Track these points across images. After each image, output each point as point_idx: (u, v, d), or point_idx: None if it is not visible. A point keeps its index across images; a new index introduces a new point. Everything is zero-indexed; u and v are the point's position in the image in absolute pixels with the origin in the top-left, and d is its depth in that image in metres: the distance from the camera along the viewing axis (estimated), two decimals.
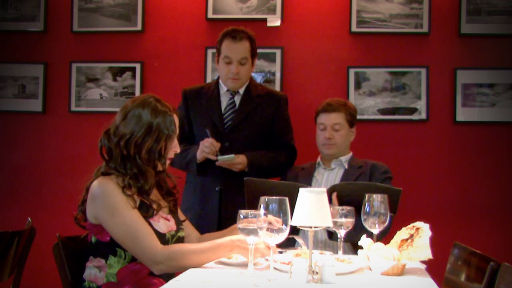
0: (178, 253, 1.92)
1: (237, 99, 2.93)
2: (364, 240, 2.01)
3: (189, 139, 2.92)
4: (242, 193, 2.59)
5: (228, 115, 2.90)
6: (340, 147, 2.77)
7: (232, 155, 2.73)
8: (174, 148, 2.12)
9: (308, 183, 2.70)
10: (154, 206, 2.04)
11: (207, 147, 2.72)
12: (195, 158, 2.79)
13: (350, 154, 2.82)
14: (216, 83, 2.99)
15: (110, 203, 1.94)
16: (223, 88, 2.95)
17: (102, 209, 1.95)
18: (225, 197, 2.83)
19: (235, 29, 2.87)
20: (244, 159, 2.78)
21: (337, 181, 2.71)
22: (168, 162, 2.13)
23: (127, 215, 1.93)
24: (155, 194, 2.12)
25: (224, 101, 2.93)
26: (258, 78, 3.64)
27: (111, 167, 2.03)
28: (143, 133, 2.02)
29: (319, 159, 2.83)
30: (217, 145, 2.73)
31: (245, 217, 1.77)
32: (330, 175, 2.76)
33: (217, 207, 2.82)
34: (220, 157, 2.73)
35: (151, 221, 2.00)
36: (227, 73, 2.86)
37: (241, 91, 2.93)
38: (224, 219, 2.77)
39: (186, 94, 2.99)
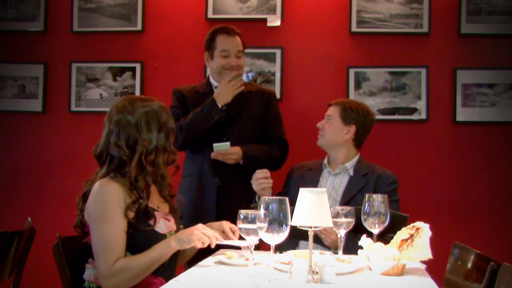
0: (125, 267, 1.91)
1: None
2: (364, 240, 2.01)
3: None
4: (239, 185, 2.70)
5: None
6: (328, 139, 2.71)
7: (228, 143, 2.77)
8: None
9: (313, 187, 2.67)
10: (156, 214, 2.03)
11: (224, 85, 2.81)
12: (215, 102, 2.81)
13: (357, 157, 2.75)
14: (207, 82, 3.02)
15: (99, 207, 1.94)
16: (215, 86, 2.98)
17: (92, 210, 1.96)
18: (223, 190, 2.85)
19: (227, 26, 2.96)
20: (239, 150, 2.81)
21: (341, 188, 2.66)
22: None
23: (107, 226, 1.92)
24: (154, 192, 2.10)
25: None
26: (259, 78, 3.65)
27: (117, 175, 2.01)
28: (157, 136, 2.02)
29: (325, 161, 2.79)
30: (239, 77, 2.85)
31: (245, 217, 1.77)
32: (335, 180, 2.72)
33: (215, 200, 2.84)
34: (215, 145, 2.76)
35: (151, 222, 2.00)
36: (225, 65, 2.91)
37: None
38: (223, 211, 2.79)
39: (182, 91, 3.01)
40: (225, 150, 2.77)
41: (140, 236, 1.97)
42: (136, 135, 2.01)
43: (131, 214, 1.96)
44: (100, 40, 3.79)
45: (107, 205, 1.93)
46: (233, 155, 2.80)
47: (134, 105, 2.04)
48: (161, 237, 2.00)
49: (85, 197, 2.02)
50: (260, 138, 2.95)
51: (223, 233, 2.18)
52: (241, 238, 1.95)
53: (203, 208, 2.85)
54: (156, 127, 2.03)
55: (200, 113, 2.82)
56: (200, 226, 2.01)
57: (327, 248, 2.42)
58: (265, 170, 2.62)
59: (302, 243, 2.59)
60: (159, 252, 1.94)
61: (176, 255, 2.06)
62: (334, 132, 2.72)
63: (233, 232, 2.17)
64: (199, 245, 1.96)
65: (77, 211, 2.05)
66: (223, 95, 2.84)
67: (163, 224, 2.05)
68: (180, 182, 2.95)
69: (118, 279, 1.90)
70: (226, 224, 2.21)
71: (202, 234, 1.96)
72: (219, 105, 2.82)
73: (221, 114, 2.83)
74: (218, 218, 2.76)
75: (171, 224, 2.09)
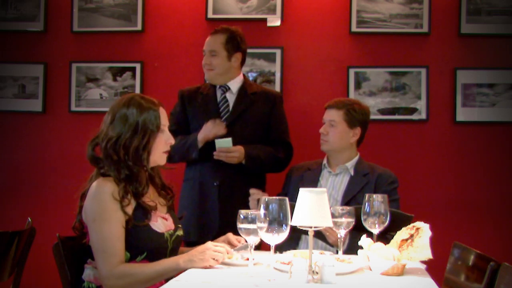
0: (127, 273, 1.91)
1: (229, 96, 2.96)
2: (364, 240, 2.01)
3: None
4: (240, 187, 2.74)
5: (222, 111, 2.94)
6: (334, 144, 2.71)
7: (229, 139, 2.77)
8: (168, 140, 2.11)
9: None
10: (151, 203, 2.03)
11: (208, 126, 2.79)
12: (196, 142, 2.82)
13: (357, 157, 2.75)
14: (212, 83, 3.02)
15: (97, 208, 1.94)
16: (217, 86, 2.98)
17: (89, 210, 1.96)
18: (224, 192, 2.85)
19: (220, 26, 2.97)
20: (241, 149, 2.80)
21: (342, 188, 2.67)
22: (165, 155, 2.12)
23: (106, 226, 1.92)
24: (151, 193, 2.11)
25: (218, 98, 2.97)
26: (259, 78, 3.65)
27: (106, 170, 2.02)
28: (130, 134, 2.01)
29: (325, 161, 2.79)
30: (221, 123, 2.79)
31: (245, 217, 1.77)
32: (336, 180, 2.72)
33: (217, 202, 2.84)
34: (217, 140, 2.76)
35: (149, 222, 2.00)
36: (203, 65, 2.95)
37: (234, 89, 2.96)
38: (224, 214, 2.79)
39: (183, 94, 3.03)
40: (227, 147, 2.77)
41: (137, 235, 1.97)
42: (112, 126, 2.03)
43: (129, 210, 1.96)
44: (100, 40, 3.79)
45: (104, 205, 1.94)
46: (235, 153, 2.78)
47: (128, 101, 2.05)
48: (159, 236, 2.01)
49: (84, 195, 2.02)
50: (262, 141, 2.93)
51: (230, 244, 2.19)
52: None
53: (204, 210, 2.86)
54: (131, 127, 2.01)
55: (183, 145, 2.84)
56: (210, 244, 1.99)
57: (330, 245, 2.42)
58: (262, 192, 2.62)
59: (302, 243, 2.60)
60: (166, 269, 1.93)
61: (176, 255, 2.06)
62: (339, 137, 2.71)
63: (239, 242, 2.19)
64: (213, 263, 1.93)
65: (76, 211, 2.05)
66: (205, 135, 2.82)
67: (161, 223, 2.05)
68: (182, 185, 2.95)
69: (118, 283, 1.90)
70: (231, 236, 2.23)
71: (213, 252, 1.94)
72: (199, 145, 2.82)
73: (196, 154, 2.83)
74: (219, 219, 2.78)
75: (169, 224, 2.09)
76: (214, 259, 1.93)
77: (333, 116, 2.71)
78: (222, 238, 2.24)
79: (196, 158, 2.84)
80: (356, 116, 2.72)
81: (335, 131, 2.70)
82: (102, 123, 2.07)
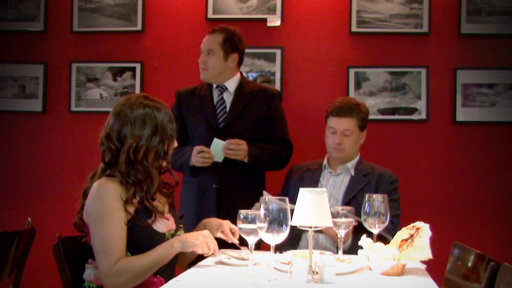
0: (125, 268, 1.90)
1: (227, 96, 2.95)
2: (364, 240, 2.01)
3: (182, 139, 2.93)
4: (238, 189, 2.74)
5: (219, 112, 2.93)
6: (350, 151, 2.71)
7: (223, 142, 2.76)
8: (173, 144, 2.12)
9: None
10: (158, 214, 2.02)
11: (198, 156, 2.77)
12: (188, 162, 2.83)
13: (358, 157, 2.76)
14: (208, 83, 3.01)
15: (98, 207, 1.94)
16: (214, 86, 2.98)
17: (91, 210, 1.96)
18: (223, 195, 2.84)
19: (219, 26, 2.96)
20: (245, 144, 2.79)
21: (342, 188, 2.67)
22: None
23: (106, 226, 1.91)
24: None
25: (216, 99, 2.96)
26: (259, 78, 3.65)
27: (114, 172, 2.01)
28: (150, 136, 2.01)
29: (325, 162, 2.78)
30: (208, 151, 2.77)
31: (245, 217, 1.77)
32: (336, 180, 2.72)
33: (215, 204, 2.83)
34: (212, 146, 2.76)
35: (150, 221, 2.00)
36: (199, 63, 2.94)
37: (231, 88, 2.95)
38: (222, 216, 2.79)
39: (180, 94, 3.03)
40: (236, 140, 2.78)
41: (139, 235, 1.97)
42: (129, 128, 2.01)
43: (131, 209, 1.96)
44: (100, 40, 3.79)
45: (106, 205, 1.93)
46: (243, 145, 2.77)
47: (140, 102, 2.04)
48: (160, 236, 2.00)
49: (86, 193, 2.02)
50: (261, 139, 2.92)
51: (223, 233, 2.18)
52: (241, 238, 1.95)
53: (203, 212, 2.84)
54: (151, 128, 2.02)
55: (177, 160, 2.83)
56: (206, 233, 2.01)
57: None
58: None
59: (302, 243, 2.60)
60: (161, 254, 1.93)
61: (176, 255, 2.06)
62: (354, 144, 2.73)
63: (233, 233, 2.17)
64: (200, 252, 1.97)
65: (76, 211, 2.05)
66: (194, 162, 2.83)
67: (162, 223, 2.04)
68: (181, 187, 2.95)
69: (119, 279, 1.90)
70: (226, 225, 2.21)
71: (205, 243, 1.96)
72: (190, 164, 2.82)
73: (188, 175, 2.85)
74: None
75: (170, 223, 2.09)
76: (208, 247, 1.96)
77: (347, 125, 2.68)
78: (216, 223, 2.22)
79: (188, 175, 2.86)
80: (366, 118, 2.75)
81: (350, 139, 2.69)
82: (108, 123, 2.06)
